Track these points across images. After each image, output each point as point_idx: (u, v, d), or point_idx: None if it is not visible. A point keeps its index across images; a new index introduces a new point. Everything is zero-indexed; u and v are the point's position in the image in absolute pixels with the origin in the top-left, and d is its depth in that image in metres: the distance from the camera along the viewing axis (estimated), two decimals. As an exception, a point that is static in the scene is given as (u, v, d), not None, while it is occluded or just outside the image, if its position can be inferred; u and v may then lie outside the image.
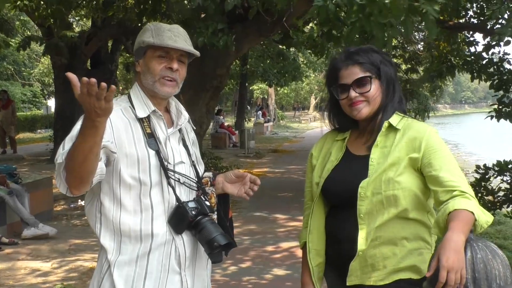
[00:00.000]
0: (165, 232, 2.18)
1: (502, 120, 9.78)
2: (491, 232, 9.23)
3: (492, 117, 9.79)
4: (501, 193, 8.58)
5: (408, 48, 15.72)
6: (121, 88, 30.52)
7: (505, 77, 9.87)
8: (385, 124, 2.27)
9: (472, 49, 11.65)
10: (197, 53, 2.32)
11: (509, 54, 10.40)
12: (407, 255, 2.19)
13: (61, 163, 1.98)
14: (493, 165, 8.59)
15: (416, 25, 10.78)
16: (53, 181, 8.40)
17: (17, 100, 34.70)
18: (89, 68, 16.41)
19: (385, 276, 2.19)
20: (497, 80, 9.93)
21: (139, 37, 2.28)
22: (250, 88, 41.86)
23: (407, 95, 14.95)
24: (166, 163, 2.21)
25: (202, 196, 2.29)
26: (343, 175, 2.29)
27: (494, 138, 32.37)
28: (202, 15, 9.30)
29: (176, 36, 2.23)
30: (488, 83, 10.31)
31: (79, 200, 9.34)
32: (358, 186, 2.20)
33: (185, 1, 9.95)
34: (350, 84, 2.26)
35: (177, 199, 2.20)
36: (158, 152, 2.19)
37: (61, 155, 1.98)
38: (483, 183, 8.47)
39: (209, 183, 2.39)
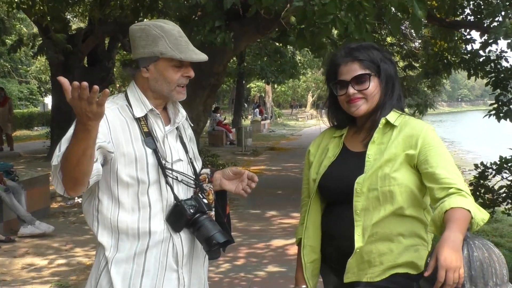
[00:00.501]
0: (163, 230, 2.18)
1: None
2: (487, 230, 9.26)
3: (490, 115, 9.79)
4: (501, 191, 8.59)
5: (404, 46, 15.73)
6: (118, 85, 30.43)
7: (502, 75, 9.88)
8: (382, 120, 2.27)
9: (469, 47, 11.68)
10: (206, 58, 2.29)
11: (506, 52, 10.41)
12: (403, 251, 2.19)
13: (56, 165, 1.98)
14: (491, 163, 8.62)
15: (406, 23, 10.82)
16: (50, 178, 8.39)
17: (14, 97, 34.69)
18: (86, 65, 16.35)
19: (381, 272, 2.20)
20: (494, 78, 9.94)
21: (148, 45, 2.17)
22: (247, 86, 41.82)
23: (405, 92, 14.97)
24: (164, 162, 2.20)
25: (199, 194, 2.29)
26: (340, 171, 2.29)
27: (491, 136, 32.40)
28: (199, 13, 9.28)
29: (189, 44, 2.21)
30: (485, 81, 10.33)
31: (76, 198, 9.32)
32: (354, 182, 2.20)
33: (182, -1, 9.92)
34: (349, 80, 2.26)
35: (175, 197, 2.20)
36: (155, 151, 2.19)
37: (56, 157, 1.99)
38: (481, 181, 8.50)
39: (207, 179, 2.39)
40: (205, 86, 10.16)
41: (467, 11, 11.11)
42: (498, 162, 8.43)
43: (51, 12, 12.56)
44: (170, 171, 2.21)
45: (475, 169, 8.88)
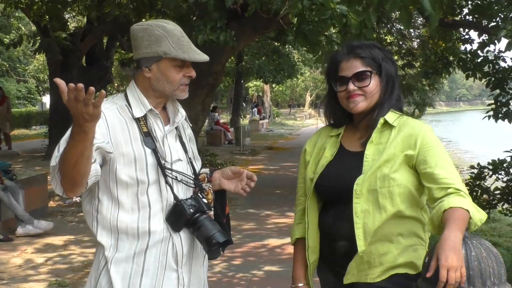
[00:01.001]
0: (163, 230, 2.19)
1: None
2: (485, 230, 9.27)
3: (489, 117, 9.78)
4: (497, 192, 8.61)
5: (403, 45, 15.71)
6: (116, 84, 30.42)
7: (500, 75, 9.86)
8: (381, 120, 2.27)
9: (468, 47, 11.67)
10: (208, 59, 2.30)
11: (504, 52, 10.40)
12: (403, 251, 2.20)
13: (55, 166, 1.99)
14: (488, 163, 8.63)
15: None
16: (48, 177, 8.39)
17: (12, 96, 34.64)
18: (85, 64, 16.34)
19: (381, 273, 2.20)
20: (493, 79, 9.93)
21: (151, 45, 2.18)
22: (246, 85, 41.81)
23: (404, 91, 14.96)
24: (163, 162, 2.20)
25: (199, 193, 2.29)
26: (337, 171, 2.29)
27: (488, 136, 32.42)
28: (197, 12, 9.28)
29: (191, 44, 2.22)
30: (484, 81, 10.32)
31: (74, 197, 9.32)
32: (352, 182, 2.20)
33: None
34: (350, 77, 2.26)
35: (175, 197, 2.21)
36: (155, 151, 2.19)
37: (55, 158, 1.99)
38: (477, 182, 8.51)
39: (206, 179, 2.39)
40: (204, 86, 10.16)
41: (466, 11, 11.11)
42: (494, 162, 8.46)
43: (50, 12, 12.53)
44: (169, 171, 2.21)
45: (470, 169, 8.90)
